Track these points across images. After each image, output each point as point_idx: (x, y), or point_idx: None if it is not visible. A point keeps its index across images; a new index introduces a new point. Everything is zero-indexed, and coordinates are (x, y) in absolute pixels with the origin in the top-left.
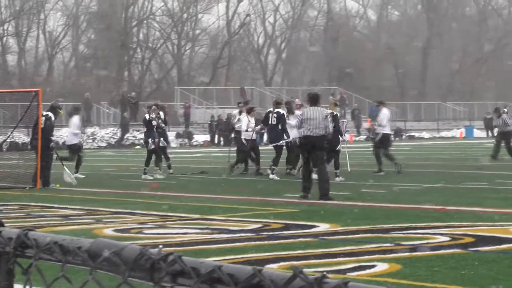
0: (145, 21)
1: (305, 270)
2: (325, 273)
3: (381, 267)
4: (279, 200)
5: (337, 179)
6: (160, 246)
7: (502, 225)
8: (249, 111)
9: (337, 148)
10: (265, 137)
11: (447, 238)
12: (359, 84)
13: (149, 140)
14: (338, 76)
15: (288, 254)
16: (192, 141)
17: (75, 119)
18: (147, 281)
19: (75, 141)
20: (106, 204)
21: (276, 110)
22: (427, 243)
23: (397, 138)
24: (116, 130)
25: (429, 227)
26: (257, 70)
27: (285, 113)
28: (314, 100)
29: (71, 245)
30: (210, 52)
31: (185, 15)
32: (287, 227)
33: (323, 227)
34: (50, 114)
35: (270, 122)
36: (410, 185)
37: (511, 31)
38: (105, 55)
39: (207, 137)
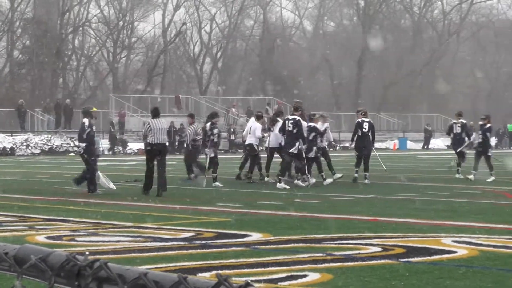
0: (80, 28)
1: (236, 279)
2: (248, 281)
3: (313, 276)
4: (212, 209)
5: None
6: (87, 253)
7: (433, 237)
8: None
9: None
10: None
11: (379, 249)
12: (294, 94)
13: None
14: (273, 86)
15: (220, 263)
16: (126, 149)
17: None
18: (73, 287)
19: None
20: (38, 211)
21: (292, 116)
22: (359, 253)
23: (330, 149)
24: (51, 137)
25: (361, 238)
26: (193, 79)
27: (300, 119)
28: (156, 112)
29: None
30: (145, 60)
31: (121, 23)
32: (219, 236)
33: (255, 236)
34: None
35: (286, 128)
36: (342, 195)
37: (445, 44)
38: (40, 61)
39: (141, 145)
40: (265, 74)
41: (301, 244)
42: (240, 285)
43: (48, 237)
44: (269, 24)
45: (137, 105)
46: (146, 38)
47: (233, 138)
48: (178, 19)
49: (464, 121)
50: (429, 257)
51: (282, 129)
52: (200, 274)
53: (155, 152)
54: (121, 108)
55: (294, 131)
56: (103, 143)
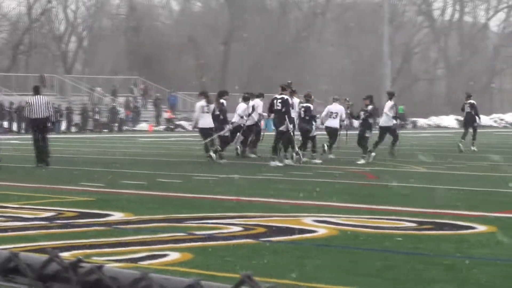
0: None
1: (97, 258)
2: (80, 257)
3: (173, 256)
4: (74, 189)
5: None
6: None
7: (294, 216)
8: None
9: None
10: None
11: (240, 228)
12: (160, 74)
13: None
14: (139, 66)
15: (81, 242)
16: None
17: (390, 104)
18: None
19: (390, 123)
20: None
21: (281, 95)
22: (220, 233)
23: (196, 129)
24: None
25: (223, 217)
26: (58, 58)
27: (289, 98)
28: (37, 90)
29: None
30: (10, 38)
31: None
32: (81, 215)
33: (117, 216)
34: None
35: (275, 108)
36: (206, 175)
37: (311, 25)
38: None
39: (5, 124)
40: (131, 53)
41: (162, 224)
42: (71, 261)
43: None
44: (135, 3)
45: (1, 83)
46: (11, 16)
47: (98, 118)
48: None
49: (473, 102)
50: (290, 237)
51: (270, 108)
52: (60, 254)
53: (37, 126)
54: None
55: (283, 110)
56: None
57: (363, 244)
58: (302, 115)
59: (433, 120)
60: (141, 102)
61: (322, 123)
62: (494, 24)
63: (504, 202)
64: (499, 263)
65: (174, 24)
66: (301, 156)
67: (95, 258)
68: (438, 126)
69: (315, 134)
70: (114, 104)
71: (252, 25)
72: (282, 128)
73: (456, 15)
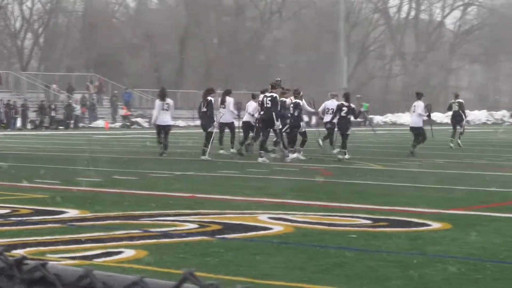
0: None
1: (51, 256)
2: (25, 254)
3: (128, 253)
4: (29, 186)
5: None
6: None
7: (250, 213)
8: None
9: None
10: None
11: (195, 226)
12: (116, 71)
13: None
14: (95, 63)
15: (35, 240)
16: None
17: (422, 104)
18: None
19: (420, 123)
20: None
21: (270, 93)
22: (175, 230)
23: (152, 126)
24: None
25: (178, 214)
26: (14, 54)
27: (277, 96)
28: None
29: None
30: None
31: None
32: (35, 212)
33: (72, 213)
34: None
35: (265, 105)
36: (162, 172)
37: (267, 22)
38: None
39: None
40: (87, 50)
41: (118, 221)
42: (16, 258)
43: None
44: (91, 0)
45: None
46: None
47: (54, 115)
48: None
49: (462, 101)
50: (245, 234)
51: (261, 106)
52: (14, 251)
53: None
54: None
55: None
56: None
57: (318, 241)
58: (292, 112)
59: (389, 117)
60: (96, 99)
61: (321, 118)
62: (450, 22)
63: (459, 199)
64: (454, 260)
65: (130, 21)
66: (288, 153)
67: (49, 255)
68: (394, 124)
69: (304, 130)
70: (70, 101)
71: (209, 21)
72: (276, 127)
73: (412, 13)
